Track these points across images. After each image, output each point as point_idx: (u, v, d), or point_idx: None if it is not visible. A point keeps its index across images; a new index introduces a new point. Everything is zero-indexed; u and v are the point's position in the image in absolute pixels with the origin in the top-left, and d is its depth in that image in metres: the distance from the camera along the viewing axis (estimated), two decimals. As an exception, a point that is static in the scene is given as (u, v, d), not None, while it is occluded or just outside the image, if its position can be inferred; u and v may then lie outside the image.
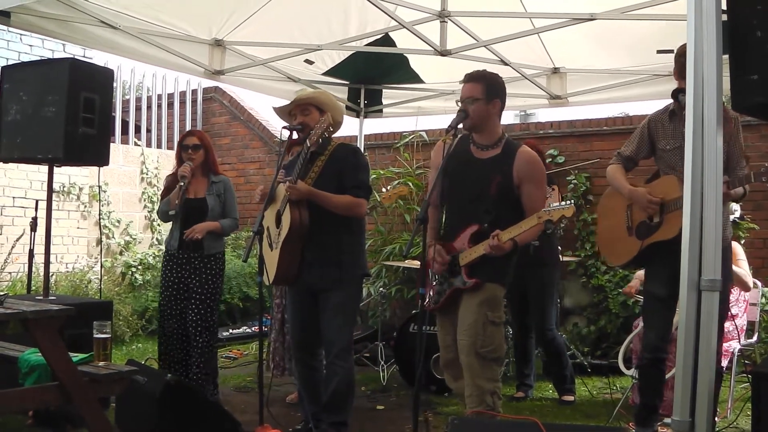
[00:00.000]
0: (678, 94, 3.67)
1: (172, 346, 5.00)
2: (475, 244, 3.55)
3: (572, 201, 3.45)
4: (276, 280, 4.05)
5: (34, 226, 5.07)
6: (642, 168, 4.13)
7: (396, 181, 7.72)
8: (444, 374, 3.88)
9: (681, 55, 3.53)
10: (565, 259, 6.06)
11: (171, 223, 5.08)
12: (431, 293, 3.74)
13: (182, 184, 4.85)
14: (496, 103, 3.67)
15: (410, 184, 7.79)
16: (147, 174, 9.17)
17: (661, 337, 3.82)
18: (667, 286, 3.77)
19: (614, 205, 4.01)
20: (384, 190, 6.06)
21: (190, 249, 4.93)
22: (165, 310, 5.04)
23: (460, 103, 3.66)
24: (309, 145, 3.90)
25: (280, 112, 4.20)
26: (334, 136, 4.18)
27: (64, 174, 7.94)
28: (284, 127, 4.06)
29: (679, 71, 3.63)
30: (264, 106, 10.27)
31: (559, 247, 5.63)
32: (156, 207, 8.55)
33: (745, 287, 4.67)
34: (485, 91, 3.63)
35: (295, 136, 4.11)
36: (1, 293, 3.37)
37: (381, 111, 7.08)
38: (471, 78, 3.69)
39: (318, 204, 3.91)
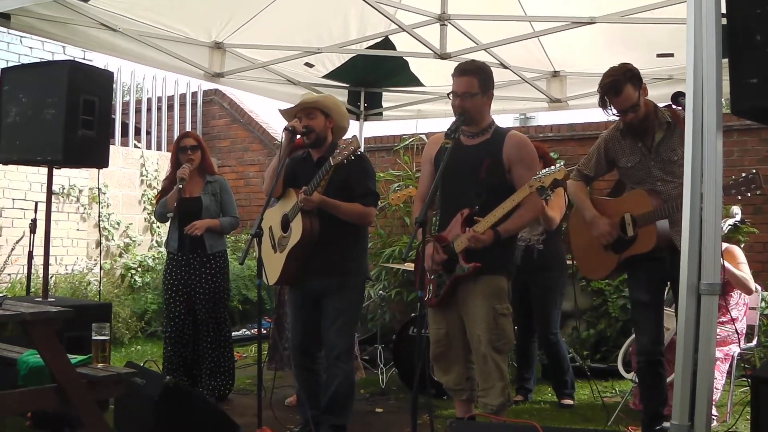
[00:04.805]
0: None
1: (175, 350, 5.01)
2: (469, 227, 3.53)
3: (562, 163, 3.37)
4: (279, 282, 4.09)
5: (33, 227, 5.06)
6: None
7: (396, 184, 7.71)
8: (434, 368, 3.85)
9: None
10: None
11: (169, 224, 5.10)
12: (431, 287, 3.71)
13: (180, 186, 4.86)
14: (490, 95, 3.71)
15: (410, 186, 7.79)
16: (147, 176, 9.16)
17: (652, 339, 3.83)
18: (649, 291, 3.83)
19: (584, 222, 4.01)
20: (392, 189, 6.01)
21: (190, 249, 4.95)
22: (168, 313, 5.04)
23: (453, 97, 3.64)
24: (333, 163, 3.82)
25: (286, 114, 4.16)
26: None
27: (63, 176, 7.93)
28: (285, 129, 4.01)
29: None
30: (264, 109, 10.32)
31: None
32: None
33: (748, 290, 4.66)
34: (481, 84, 3.64)
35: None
36: (0, 295, 3.37)
37: (381, 114, 7.08)
38: (466, 71, 3.65)
39: (328, 212, 3.91)
